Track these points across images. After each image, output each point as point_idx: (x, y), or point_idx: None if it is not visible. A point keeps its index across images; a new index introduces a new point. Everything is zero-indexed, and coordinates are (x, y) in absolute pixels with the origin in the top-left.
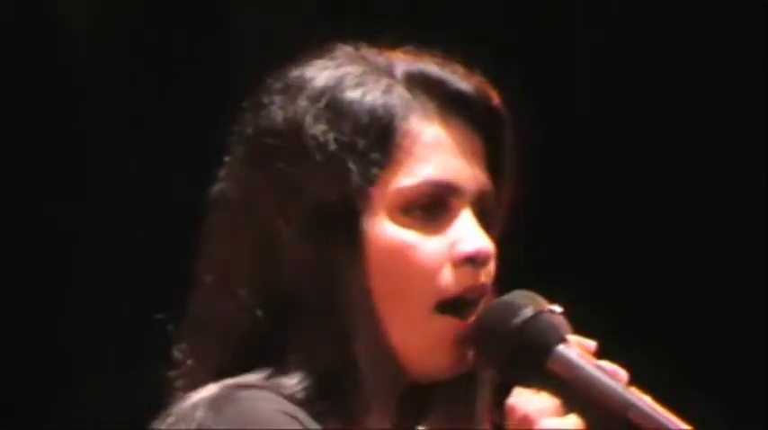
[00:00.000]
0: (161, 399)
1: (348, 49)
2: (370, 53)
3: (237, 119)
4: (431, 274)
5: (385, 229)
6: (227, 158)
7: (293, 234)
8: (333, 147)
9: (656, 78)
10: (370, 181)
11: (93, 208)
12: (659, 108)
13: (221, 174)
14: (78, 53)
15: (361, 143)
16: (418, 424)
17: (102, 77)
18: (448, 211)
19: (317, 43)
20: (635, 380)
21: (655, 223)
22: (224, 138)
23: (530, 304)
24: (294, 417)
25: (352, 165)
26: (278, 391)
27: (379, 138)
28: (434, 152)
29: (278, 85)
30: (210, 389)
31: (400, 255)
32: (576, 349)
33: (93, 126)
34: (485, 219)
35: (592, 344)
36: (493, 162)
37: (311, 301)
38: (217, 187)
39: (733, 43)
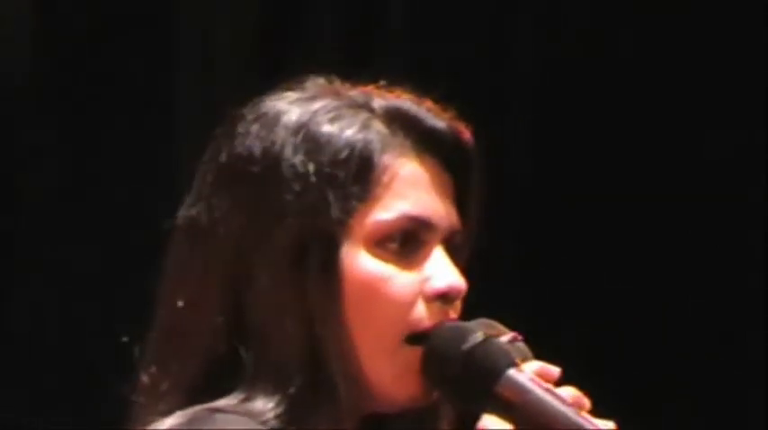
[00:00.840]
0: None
1: (321, 81)
2: (344, 87)
3: (209, 145)
4: (403, 308)
5: (361, 261)
6: (195, 184)
7: (267, 262)
8: (312, 178)
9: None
10: (349, 213)
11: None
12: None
13: (188, 200)
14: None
15: (341, 175)
16: None
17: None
18: (422, 247)
19: (286, 76)
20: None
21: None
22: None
23: (480, 329)
24: None
25: (331, 197)
26: (250, 416)
27: (358, 171)
28: (411, 188)
29: (252, 116)
30: (185, 414)
31: (375, 286)
32: (527, 374)
33: None
34: (454, 255)
35: (555, 370)
36: (460, 200)
37: (284, 328)
38: (184, 213)
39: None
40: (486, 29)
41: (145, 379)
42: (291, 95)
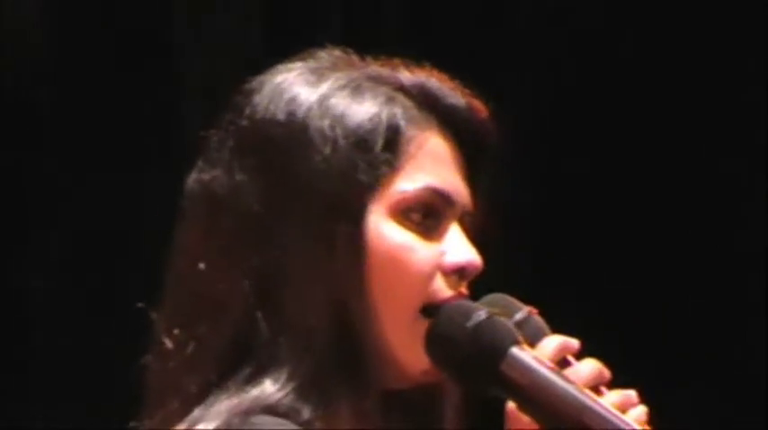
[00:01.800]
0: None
1: (337, 53)
2: (361, 61)
3: (226, 111)
4: (423, 278)
5: (385, 229)
6: (210, 148)
7: (292, 226)
8: (341, 141)
9: None
10: (378, 179)
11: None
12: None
13: (201, 164)
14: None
15: (370, 141)
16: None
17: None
18: (441, 221)
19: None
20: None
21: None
22: None
23: (486, 307)
24: None
25: (360, 162)
26: (267, 403)
27: (386, 139)
28: (435, 162)
29: (270, 83)
30: (213, 420)
31: (398, 255)
32: (531, 352)
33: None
34: (466, 234)
35: (574, 343)
36: (475, 178)
37: (309, 293)
38: (198, 176)
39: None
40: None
41: (168, 342)
42: (311, 64)
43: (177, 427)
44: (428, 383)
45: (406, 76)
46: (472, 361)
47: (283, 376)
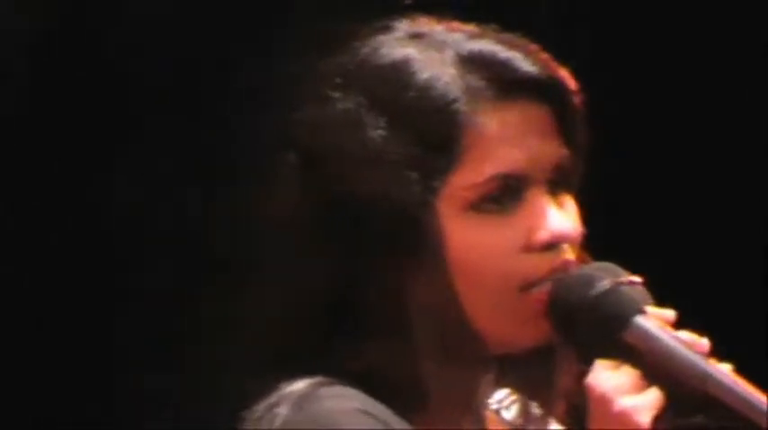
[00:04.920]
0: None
1: (406, 26)
2: (431, 31)
3: (294, 114)
4: (511, 262)
5: (459, 228)
6: (277, 164)
7: (369, 248)
8: (394, 151)
9: None
10: (436, 186)
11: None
12: None
13: (272, 181)
14: None
15: (425, 146)
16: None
17: None
18: (521, 198)
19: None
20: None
21: None
22: None
23: (606, 276)
24: (375, 417)
25: (413, 174)
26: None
27: (444, 139)
28: (499, 144)
29: (335, 74)
30: (298, 385)
31: (478, 250)
32: (654, 320)
33: None
34: (564, 185)
35: (671, 314)
36: (565, 129)
37: (391, 307)
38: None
39: None
40: None
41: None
42: (374, 48)
43: (293, 387)
44: (543, 349)
45: (467, 45)
46: (593, 328)
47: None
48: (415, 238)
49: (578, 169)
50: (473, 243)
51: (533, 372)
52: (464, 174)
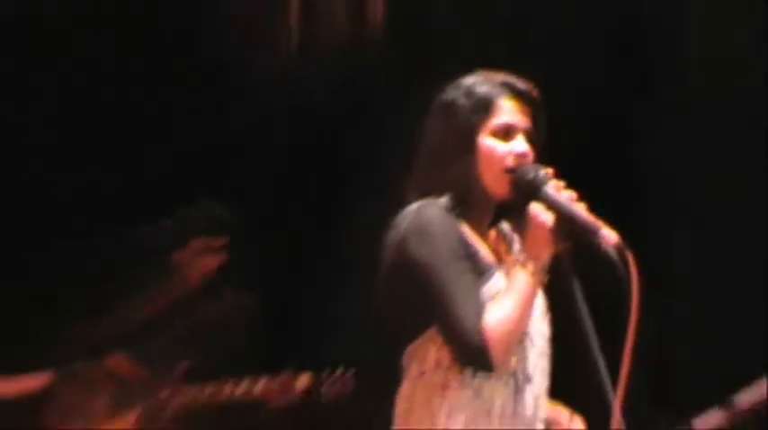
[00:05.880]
0: None
1: (482, 73)
2: (489, 74)
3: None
4: (505, 158)
5: (487, 140)
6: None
7: (450, 143)
8: (466, 108)
9: None
10: (481, 120)
11: None
12: None
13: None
14: None
15: (479, 108)
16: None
17: None
18: (514, 136)
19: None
20: None
21: None
22: None
23: (536, 170)
24: (446, 217)
25: (474, 116)
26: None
27: (486, 105)
28: (509, 112)
29: (452, 88)
30: (417, 203)
31: (492, 150)
32: (554, 189)
33: None
34: (530, 141)
35: (562, 184)
36: (533, 114)
37: (459, 169)
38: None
39: None
40: None
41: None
42: (467, 79)
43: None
44: (516, 203)
45: (502, 78)
46: (527, 192)
47: (445, 198)
48: (470, 141)
49: (539, 134)
50: (490, 149)
51: (515, 215)
52: (491, 120)
